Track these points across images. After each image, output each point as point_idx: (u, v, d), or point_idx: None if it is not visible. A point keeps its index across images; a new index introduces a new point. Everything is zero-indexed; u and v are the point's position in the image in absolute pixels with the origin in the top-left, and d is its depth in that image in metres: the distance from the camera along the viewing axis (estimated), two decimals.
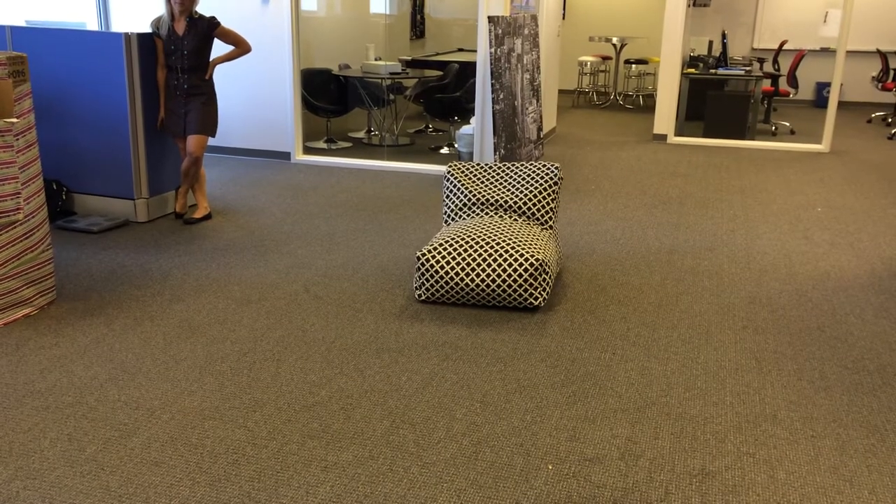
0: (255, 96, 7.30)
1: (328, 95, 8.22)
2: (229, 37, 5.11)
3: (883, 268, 4.59)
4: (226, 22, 7.06)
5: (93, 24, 7.46)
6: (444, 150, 8.02)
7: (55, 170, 5.34)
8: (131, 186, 5.19)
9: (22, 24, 6.78)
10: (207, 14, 5.12)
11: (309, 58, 8.63)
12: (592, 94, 12.58)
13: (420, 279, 3.89)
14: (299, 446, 2.67)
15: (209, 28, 5.02)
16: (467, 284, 3.80)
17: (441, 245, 3.91)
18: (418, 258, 3.89)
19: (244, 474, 2.51)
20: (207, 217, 5.34)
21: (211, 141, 7.49)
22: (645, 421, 2.87)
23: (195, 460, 2.58)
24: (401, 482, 2.48)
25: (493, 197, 4.33)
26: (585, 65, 12.31)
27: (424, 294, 3.90)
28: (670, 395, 3.05)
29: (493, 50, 6.23)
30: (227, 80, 7.31)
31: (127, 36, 4.95)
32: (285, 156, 7.35)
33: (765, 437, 2.77)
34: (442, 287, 3.84)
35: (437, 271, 3.83)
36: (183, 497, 2.39)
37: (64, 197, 5.31)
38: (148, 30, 5.19)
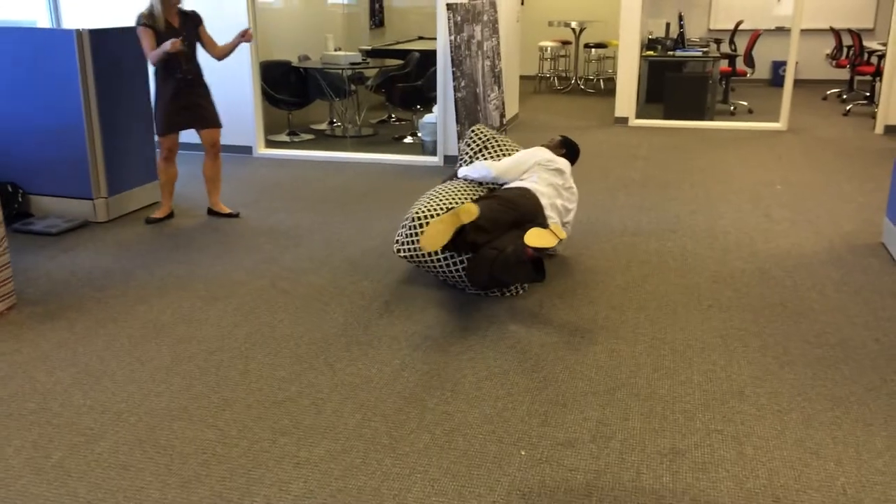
0: (214, 90, 7.17)
1: (288, 87, 8.13)
2: (205, 36, 5.06)
3: (841, 243, 4.68)
4: None
5: (44, 22, 7.29)
6: (408, 140, 7.99)
7: (10, 171, 5.22)
8: (89, 186, 5.09)
9: None
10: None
11: (267, 49, 8.53)
12: (553, 79, 12.62)
13: (407, 237, 3.87)
14: (270, 443, 2.65)
15: (197, 21, 5.02)
16: (440, 260, 3.80)
17: (436, 212, 3.88)
18: (413, 219, 3.85)
19: (215, 474, 2.49)
20: (170, 216, 5.27)
21: None
22: (615, 403, 2.89)
23: (164, 462, 2.55)
24: (374, 475, 2.48)
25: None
26: (546, 50, 12.33)
27: (406, 252, 3.89)
28: (639, 377, 3.09)
29: (452, 37, 6.21)
30: None
31: (79, 33, 4.85)
32: (247, 150, 7.27)
33: (732, 414, 2.81)
34: (422, 254, 3.82)
35: (419, 236, 3.81)
36: (153, 500, 2.36)
37: (20, 199, 5.19)
38: (96, 25, 5.07)
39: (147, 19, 4.82)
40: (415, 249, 3.85)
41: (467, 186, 4.21)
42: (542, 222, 3.85)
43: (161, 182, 5.18)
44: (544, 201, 3.94)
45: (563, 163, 4.20)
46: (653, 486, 2.42)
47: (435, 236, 3.33)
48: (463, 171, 4.29)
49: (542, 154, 4.18)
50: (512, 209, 3.75)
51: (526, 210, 3.81)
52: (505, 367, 3.16)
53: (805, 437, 2.67)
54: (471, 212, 3.37)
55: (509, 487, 2.41)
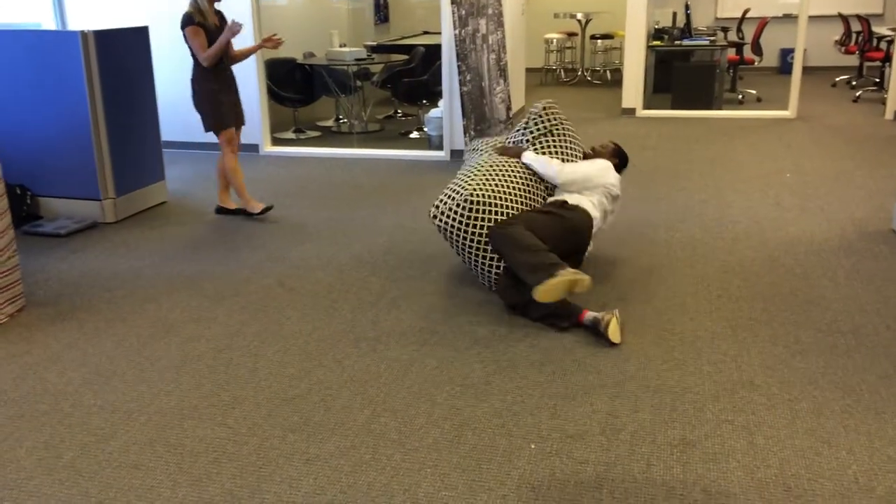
0: None
1: (294, 85, 8.13)
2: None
3: (852, 230, 4.64)
4: None
5: (49, 24, 7.31)
6: (415, 135, 7.98)
7: (19, 174, 5.24)
8: (97, 187, 5.11)
9: None
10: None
11: None
12: (560, 71, 12.57)
13: (450, 210, 3.77)
14: (280, 440, 2.66)
15: (225, 20, 5.03)
16: (471, 239, 3.74)
17: (492, 201, 3.79)
18: (467, 199, 3.73)
19: (226, 472, 2.49)
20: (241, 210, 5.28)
21: (176, 136, 7.41)
22: (624, 395, 2.88)
23: (175, 461, 2.56)
24: (384, 470, 2.48)
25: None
26: (551, 42, 12.28)
27: (441, 222, 3.80)
28: (648, 368, 3.07)
29: (457, 31, 6.19)
30: (188, 72, 7.20)
31: (83, 34, 4.86)
32: (253, 148, 7.28)
33: (742, 404, 2.80)
34: (454, 228, 3.77)
35: (466, 220, 3.73)
36: (164, 499, 2.37)
37: (29, 201, 5.22)
38: (101, 26, 5.08)
39: (198, 16, 4.76)
40: (450, 222, 3.76)
41: (524, 173, 4.03)
42: (583, 250, 3.89)
43: (237, 184, 5.11)
44: (594, 231, 3.94)
45: (619, 186, 4.11)
46: (663, 477, 2.41)
47: (551, 294, 3.38)
48: (528, 159, 4.08)
49: (610, 177, 4.03)
50: (569, 235, 3.77)
51: (578, 239, 3.83)
52: (514, 361, 3.16)
53: (816, 426, 2.66)
54: (584, 286, 3.41)
55: (519, 481, 2.41)
